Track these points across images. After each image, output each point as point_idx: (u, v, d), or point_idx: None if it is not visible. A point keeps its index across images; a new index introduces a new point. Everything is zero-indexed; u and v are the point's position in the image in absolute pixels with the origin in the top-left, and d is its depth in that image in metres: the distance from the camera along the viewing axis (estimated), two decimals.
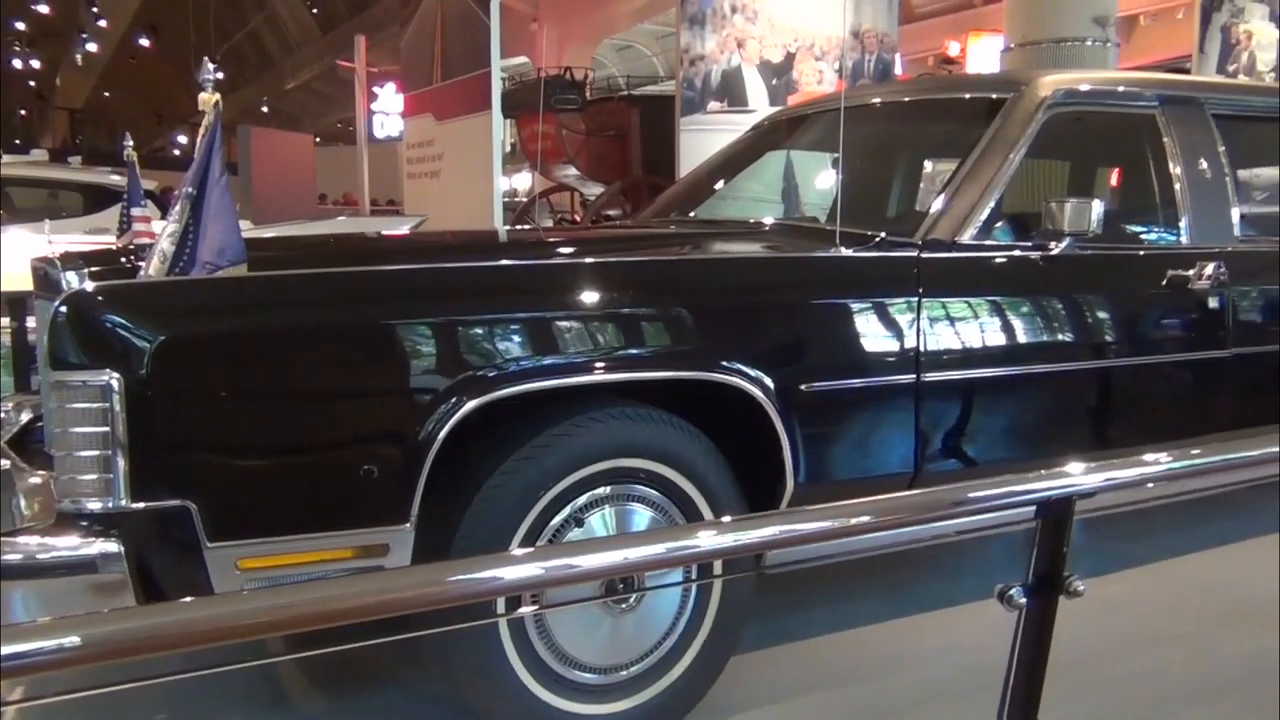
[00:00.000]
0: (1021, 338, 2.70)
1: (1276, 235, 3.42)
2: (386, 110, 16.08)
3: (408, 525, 1.99)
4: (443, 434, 1.98)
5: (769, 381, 2.31)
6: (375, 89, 15.92)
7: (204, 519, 1.85)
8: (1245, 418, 3.14)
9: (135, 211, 3.10)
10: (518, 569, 1.23)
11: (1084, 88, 3.06)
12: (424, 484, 1.98)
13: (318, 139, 22.60)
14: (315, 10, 26.41)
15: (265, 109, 34.54)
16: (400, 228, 7.08)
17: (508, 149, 14.44)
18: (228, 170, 2.18)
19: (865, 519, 1.41)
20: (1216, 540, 3.58)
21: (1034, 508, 1.50)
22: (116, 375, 1.80)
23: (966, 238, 2.70)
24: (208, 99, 2.14)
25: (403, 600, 1.16)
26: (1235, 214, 3.17)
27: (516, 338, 2.09)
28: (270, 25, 28.95)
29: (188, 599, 1.10)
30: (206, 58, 2.34)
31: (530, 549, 2.01)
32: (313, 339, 1.99)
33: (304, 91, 31.24)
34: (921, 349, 2.52)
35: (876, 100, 3.62)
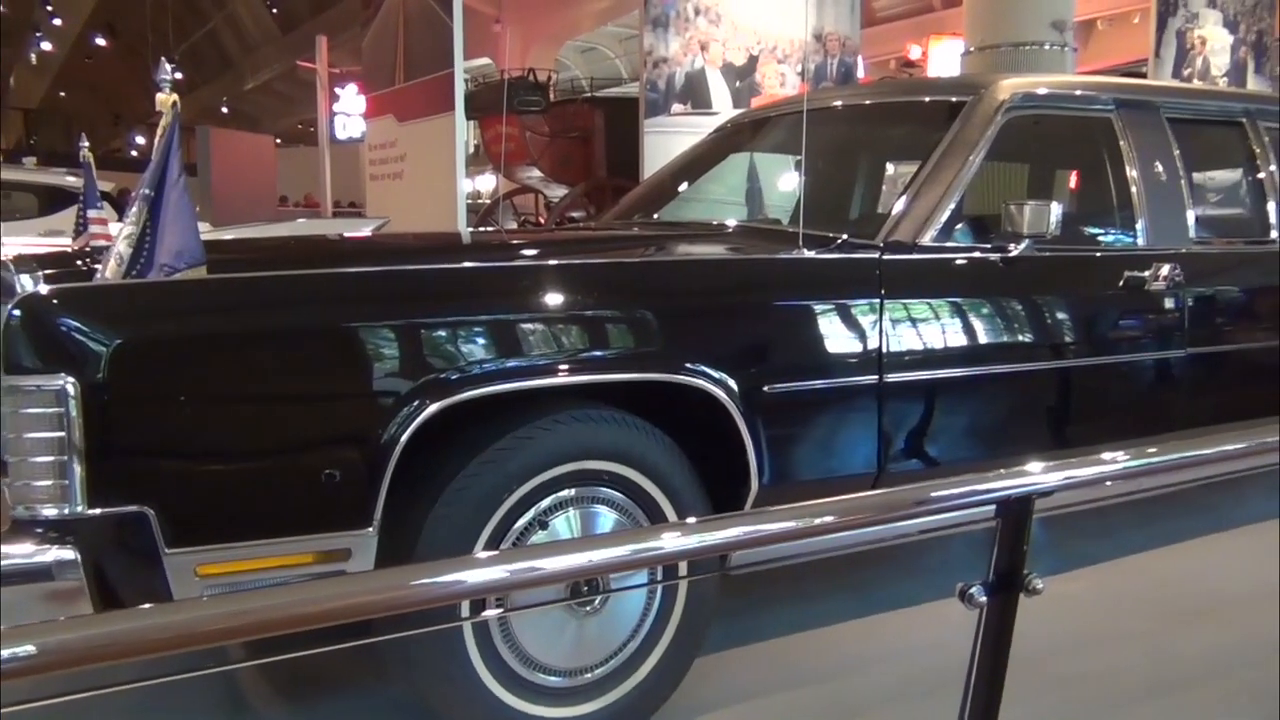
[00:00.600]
0: (982, 338, 2.73)
1: (1230, 237, 3.49)
2: (348, 111, 15.97)
3: (370, 529, 1.97)
4: (405, 437, 1.97)
5: (732, 383, 2.32)
6: (337, 90, 15.80)
7: (162, 525, 1.82)
8: (1201, 416, 3.20)
9: (91, 213, 3.07)
10: (482, 572, 1.22)
11: (1042, 91, 3.10)
12: (387, 488, 1.97)
13: (278, 140, 22.37)
14: (275, 10, 26.18)
15: (225, 110, 34.17)
16: (362, 230, 7.03)
17: (471, 150, 14.38)
18: (186, 171, 2.15)
19: (829, 519, 1.42)
20: (1174, 537, 3.64)
21: (994, 507, 1.51)
22: (72, 380, 1.77)
23: (927, 239, 2.73)
24: (165, 99, 2.11)
25: (365, 605, 1.16)
26: (1190, 216, 3.22)
27: (479, 340, 2.08)
28: (229, 25, 28.66)
29: (146, 606, 1.09)
30: (164, 57, 2.31)
31: (494, 552, 2.00)
32: (273, 342, 1.97)
33: (264, 92, 30.95)
34: (884, 350, 2.54)
35: (838, 103, 3.64)
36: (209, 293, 2.04)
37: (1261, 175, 3.51)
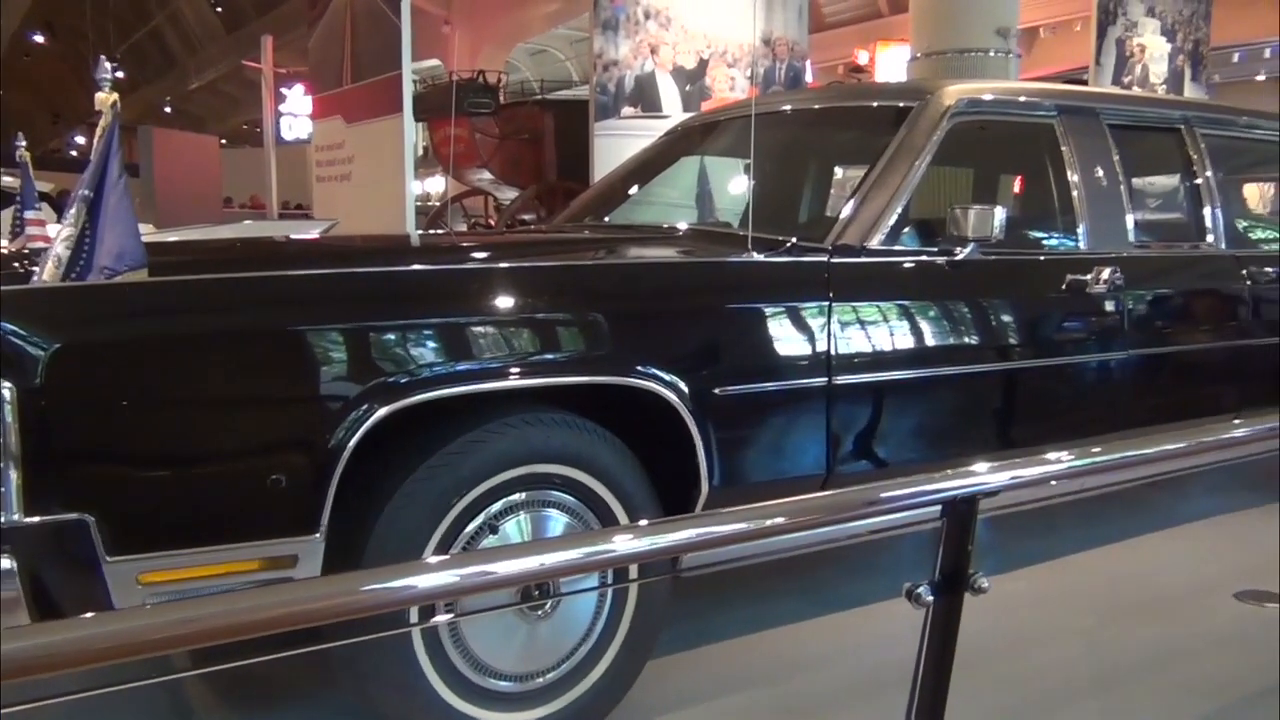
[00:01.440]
0: (929, 340, 2.76)
1: (1168, 241, 3.57)
2: (294, 112, 15.79)
3: (317, 535, 1.95)
4: (353, 442, 1.94)
5: (683, 386, 2.32)
6: (283, 90, 15.61)
7: (103, 532, 1.78)
8: (1142, 416, 3.26)
9: (28, 214, 3.00)
10: (432, 577, 1.22)
11: (986, 97, 3.15)
12: (334, 493, 1.95)
13: (223, 141, 22.06)
14: (220, 9, 25.80)
15: (168, 110, 33.59)
16: (310, 232, 6.95)
17: (420, 153, 14.29)
18: (127, 172, 2.11)
19: (780, 520, 1.43)
20: (1116, 536, 3.71)
21: (940, 507, 1.53)
22: (8, 384, 1.73)
23: (875, 243, 2.75)
24: (105, 98, 2.07)
25: (313, 611, 1.14)
26: (1130, 221, 3.28)
27: (428, 344, 2.07)
28: (173, 24, 28.18)
29: (86, 615, 1.06)
30: (104, 56, 2.27)
31: (445, 557, 1.99)
32: (217, 346, 1.93)
33: (208, 92, 30.48)
34: (832, 352, 2.56)
35: (787, 107, 3.67)
36: (150, 296, 2.00)
37: (1198, 181, 3.60)
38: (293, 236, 5.74)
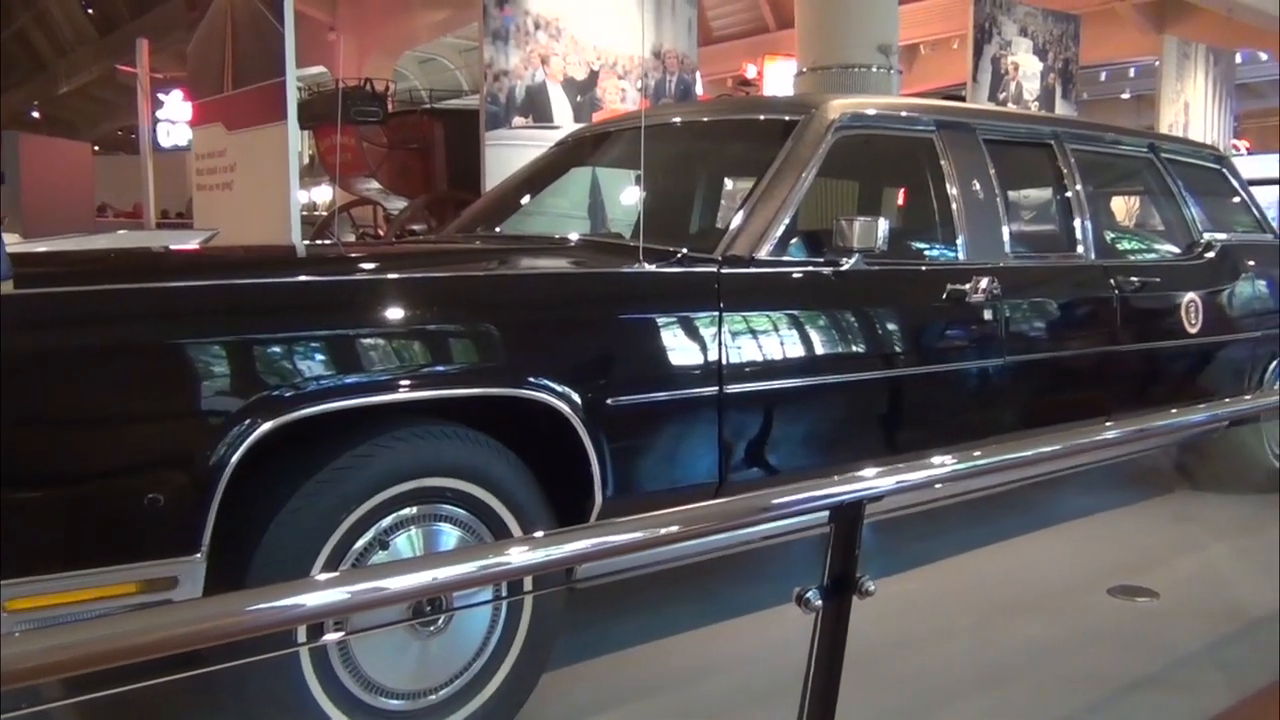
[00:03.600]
0: (817, 349, 2.81)
1: (1042, 252, 3.71)
2: (173, 118, 15.26)
3: (198, 555, 1.88)
4: (235, 458, 1.89)
5: (575, 397, 2.32)
6: (160, 95, 15.08)
7: None
8: (1020, 421, 3.38)
9: None
10: (321, 595, 1.18)
11: (869, 112, 3.23)
12: (216, 511, 1.89)
13: (96, 147, 21.21)
14: (91, 11, 24.82)
15: (36, 115, 32.16)
16: (189, 242, 6.72)
17: (306, 161, 13.97)
18: None
19: (674, 529, 1.44)
20: (997, 536, 3.83)
21: (827, 512, 1.56)
22: None
23: (764, 254, 2.80)
24: None
25: (194, 634, 1.10)
26: (1006, 232, 3.40)
27: (315, 356, 2.02)
28: (40, 25, 26.99)
29: None
30: None
31: (335, 573, 1.94)
32: (90, 361, 1.86)
33: (80, 96, 29.26)
34: (723, 362, 2.59)
35: (677, 119, 3.70)
36: (17, 309, 1.90)
37: (1068, 194, 3.75)
38: (171, 247, 5.55)
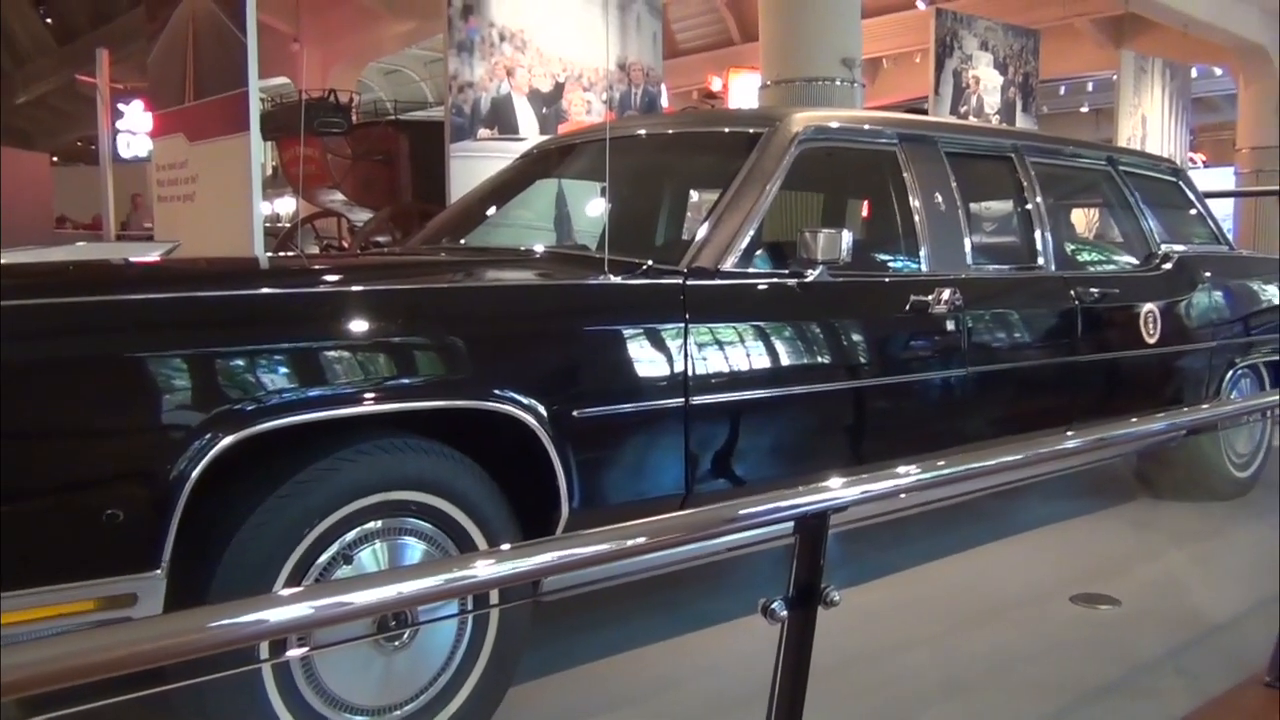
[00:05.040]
0: (782, 360, 2.83)
1: (1002, 263, 3.75)
2: (133, 129, 15.09)
3: (158, 572, 1.86)
4: (196, 472, 1.87)
5: (541, 409, 2.31)
6: (120, 106, 14.91)
7: None
8: (983, 430, 3.41)
9: None
10: (284, 610, 1.17)
11: (833, 125, 3.26)
12: (176, 527, 1.86)
13: (55, 158, 20.94)
14: (50, 20, 24.51)
15: None
16: (150, 254, 6.64)
17: (269, 172, 13.86)
18: None
19: (641, 540, 1.43)
20: (961, 546, 3.86)
21: (792, 523, 1.56)
22: None
23: (729, 265, 2.81)
24: None
25: (154, 652, 1.08)
26: (967, 244, 3.44)
27: (277, 369, 2.00)
28: None
29: None
30: None
31: (298, 588, 1.92)
32: (47, 374, 1.83)
33: (38, 107, 28.85)
34: (689, 373, 2.59)
35: (642, 132, 3.71)
36: None
37: (1028, 206, 3.80)
38: (131, 259, 5.48)
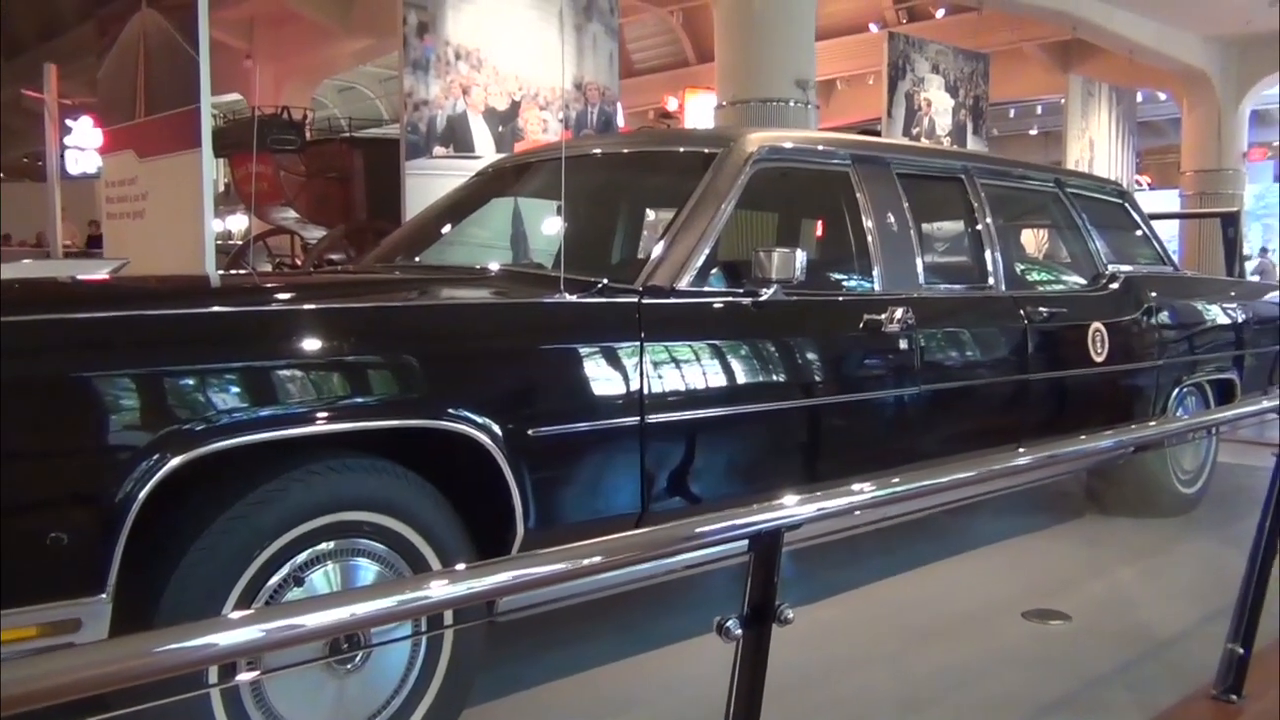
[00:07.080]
0: (737, 379, 2.84)
1: (954, 283, 3.80)
2: (82, 145, 14.86)
3: (103, 596, 1.82)
4: (143, 494, 1.83)
5: (496, 428, 2.30)
6: (68, 122, 14.69)
7: None
8: (936, 447, 3.44)
9: None
10: (233, 634, 1.15)
11: (786, 145, 3.28)
12: (122, 550, 1.83)
13: (1, 175, 20.58)
14: None
15: None
16: (98, 272, 6.53)
17: (221, 189, 13.72)
18: None
19: (596, 559, 1.43)
20: (914, 563, 3.88)
21: (746, 541, 1.56)
22: None
23: (684, 284, 2.82)
24: None
25: (98, 678, 1.06)
26: (919, 263, 3.48)
27: (227, 389, 1.98)
28: None
29: None
30: None
31: (248, 611, 1.89)
32: None
33: None
34: (645, 391, 2.60)
35: (598, 151, 3.72)
36: None
37: (979, 226, 3.85)
38: (79, 277, 5.39)
